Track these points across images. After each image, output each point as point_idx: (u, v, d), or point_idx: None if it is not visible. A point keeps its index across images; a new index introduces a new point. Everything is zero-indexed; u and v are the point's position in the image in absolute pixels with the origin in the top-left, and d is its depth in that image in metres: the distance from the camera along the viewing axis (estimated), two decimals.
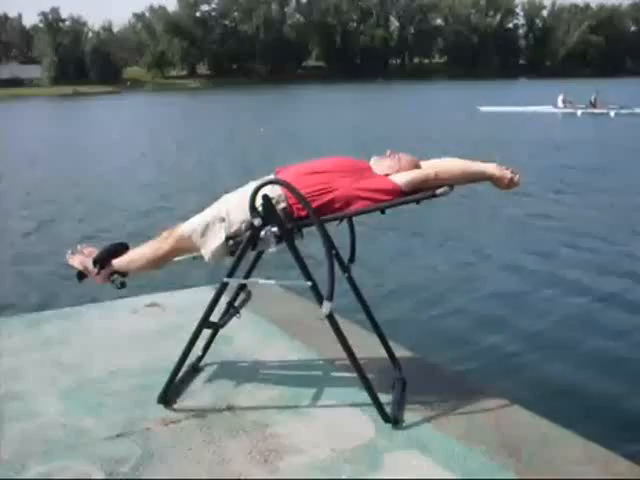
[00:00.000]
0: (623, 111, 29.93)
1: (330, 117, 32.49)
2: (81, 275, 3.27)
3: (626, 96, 35.33)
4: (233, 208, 2.98)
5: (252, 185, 2.97)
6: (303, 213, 2.87)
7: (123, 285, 3.26)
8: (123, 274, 3.24)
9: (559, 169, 15.85)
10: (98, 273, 3.21)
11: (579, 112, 31.09)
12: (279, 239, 2.86)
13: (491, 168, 2.92)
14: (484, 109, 33.01)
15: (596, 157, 18.13)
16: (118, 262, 3.21)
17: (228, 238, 2.96)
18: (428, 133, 23.50)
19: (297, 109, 41.87)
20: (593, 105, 31.58)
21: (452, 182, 2.87)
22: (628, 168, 16.03)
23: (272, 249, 2.90)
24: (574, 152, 19.09)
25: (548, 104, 32.73)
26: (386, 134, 22.93)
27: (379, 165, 3.04)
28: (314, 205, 2.85)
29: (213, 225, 3.00)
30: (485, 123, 28.40)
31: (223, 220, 2.99)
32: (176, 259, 3.18)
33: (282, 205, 2.89)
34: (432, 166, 3.00)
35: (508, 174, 2.92)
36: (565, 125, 28.99)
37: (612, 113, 30.05)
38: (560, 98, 32.78)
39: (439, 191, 2.83)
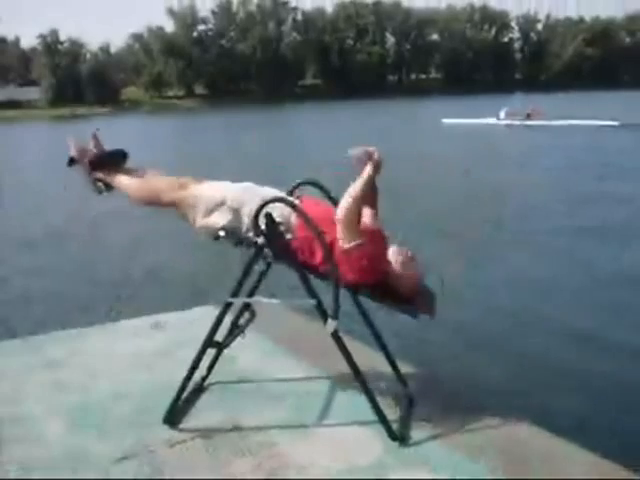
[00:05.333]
0: (555, 122, 33.05)
1: (313, 137, 33.42)
2: (72, 161, 3.29)
3: (614, 110, 36.71)
4: (248, 210, 2.95)
5: (275, 192, 3.00)
6: (310, 260, 2.90)
7: (100, 192, 3.28)
8: (109, 186, 3.25)
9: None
10: (89, 173, 3.24)
11: (517, 123, 34.44)
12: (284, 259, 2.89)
13: (367, 170, 2.89)
14: (447, 121, 36.08)
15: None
16: (116, 177, 3.21)
17: (223, 229, 2.98)
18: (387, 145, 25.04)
19: (292, 128, 42.08)
20: (529, 117, 35.01)
21: (360, 203, 2.88)
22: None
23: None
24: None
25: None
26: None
27: None
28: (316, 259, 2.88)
29: (223, 207, 3.01)
30: (440, 135, 31.06)
31: (235, 212, 2.99)
32: (164, 209, 3.17)
33: (288, 236, 2.90)
34: (339, 209, 2.90)
35: (371, 157, 2.89)
36: (506, 134, 31.97)
37: (545, 123, 33.43)
38: (503, 111, 36.05)
39: (422, 312, 2.92)
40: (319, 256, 2.88)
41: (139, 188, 3.18)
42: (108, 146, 3.33)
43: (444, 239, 10.44)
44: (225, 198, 3.02)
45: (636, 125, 29.06)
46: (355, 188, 2.85)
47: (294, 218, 2.93)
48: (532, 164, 20.08)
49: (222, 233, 2.98)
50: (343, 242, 2.83)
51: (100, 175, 3.23)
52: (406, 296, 2.91)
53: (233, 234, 2.99)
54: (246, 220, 2.95)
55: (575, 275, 8.59)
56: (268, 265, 3.11)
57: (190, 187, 3.10)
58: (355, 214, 2.85)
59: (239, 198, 3.02)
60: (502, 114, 35.90)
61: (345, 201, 2.84)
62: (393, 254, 2.95)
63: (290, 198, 3.01)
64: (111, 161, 3.26)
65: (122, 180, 3.20)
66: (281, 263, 2.92)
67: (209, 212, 3.02)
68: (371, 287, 2.90)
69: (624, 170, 17.65)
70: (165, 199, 3.11)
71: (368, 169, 2.88)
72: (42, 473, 2.69)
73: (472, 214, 12.53)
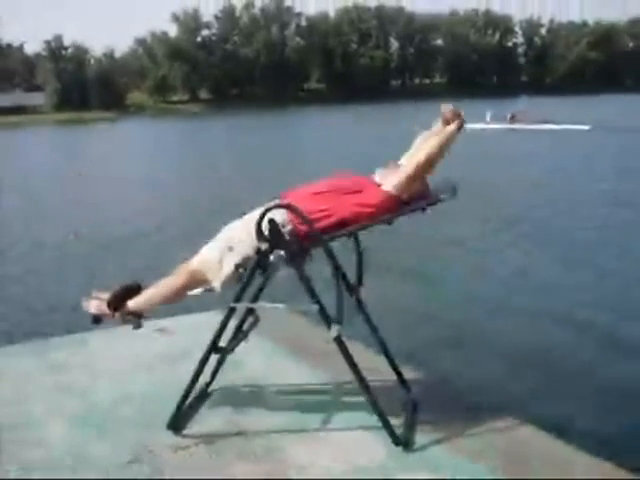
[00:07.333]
0: (538, 126, 34.36)
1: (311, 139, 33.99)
2: (96, 319, 3.26)
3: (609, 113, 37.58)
4: (240, 236, 2.99)
5: (256, 212, 2.99)
6: (327, 226, 2.90)
7: (139, 326, 3.24)
8: (138, 315, 3.23)
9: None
10: (113, 315, 3.20)
11: (502, 126, 35.52)
12: (288, 262, 2.88)
13: (450, 127, 2.95)
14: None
15: None
16: (133, 303, 3.20)
17: (238, 266, 2.98)
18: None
19: (296, 132, 42.27)
20: (512, 120, 36.32)
21: (435, 162, 2.92)
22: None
23: (282, 273, 2.92)
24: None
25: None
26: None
27: (383, 177, 3.05)
28: (319, 226, 2.87)
29: (223, 256, 3.01)
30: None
31: (231, 249, 3.00)
32: (190, 293, 3.16)
33: (288, 228, 2.90)
34: (410, 160, 3.02)
35: (458, 117, 2.96)
36: (492, 138, 32.11)
37: (529, 127, 34.72)
38: (488, 115, 37.01)
39: (443, 196, 2.90)
40: (333, 219, 2.91)
41: (155, 300, 3.19)
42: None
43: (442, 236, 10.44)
44: (221, 247, 3.04)
45: (605, 128, 31.17)
46: (436, 144, 2.91)
47: (287, 216, 2.93)
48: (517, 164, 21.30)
49: (241, 270, 2.99)
50: (394, 188, 2.91)
51: (124, 311, 3.21)
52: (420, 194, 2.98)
53: (249, 264, 2.99)
54: (249, 242, 2.96)
55: (575, 275, 8.58)
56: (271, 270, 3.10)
57: (190, 264, 3.12)
58: (425, 170, 2.91)
59: (230, 238, 3.05)
60: (488, 117, 36.99)
61: (422, 155, 2.90)
62: (379, 175, 3.04)
63: (273, 202, 3.01)
64: (127, 295, 3.24)
65: (143, 303, 3.20)
66: (293, 265, 2.90)
67: (219, 268, 3.03)
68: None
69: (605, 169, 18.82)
70: (180, 289, 3.13)
71: (452, 127, 2.94)
72: (43, 473, 2.70)
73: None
